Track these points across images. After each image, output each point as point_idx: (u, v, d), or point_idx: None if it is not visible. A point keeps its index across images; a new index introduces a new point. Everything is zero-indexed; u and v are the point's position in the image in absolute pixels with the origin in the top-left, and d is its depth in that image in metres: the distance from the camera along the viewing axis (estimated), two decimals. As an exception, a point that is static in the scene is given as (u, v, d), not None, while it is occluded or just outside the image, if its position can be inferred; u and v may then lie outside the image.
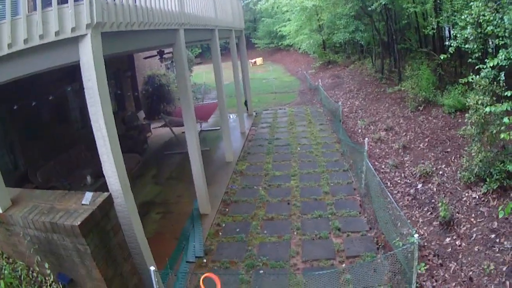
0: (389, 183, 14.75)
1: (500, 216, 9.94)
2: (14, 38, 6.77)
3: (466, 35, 13.57)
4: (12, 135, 14.38)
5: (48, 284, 7.59)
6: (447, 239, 10.87)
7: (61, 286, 7.55)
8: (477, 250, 9.93)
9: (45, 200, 7.82)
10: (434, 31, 21.53)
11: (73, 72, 15.86)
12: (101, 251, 7.11)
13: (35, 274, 7.95)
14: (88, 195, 7.40)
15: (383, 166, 16.37)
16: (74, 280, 7.52)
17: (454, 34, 15.23)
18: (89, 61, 7.16)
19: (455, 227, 11.13)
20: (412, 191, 13.88)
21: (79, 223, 6.59)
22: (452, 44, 14.24)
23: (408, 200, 13.49)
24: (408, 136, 18.24)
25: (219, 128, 21.94)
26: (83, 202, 7.25)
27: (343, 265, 10.46)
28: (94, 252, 6.87)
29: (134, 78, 27.27)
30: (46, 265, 7.53)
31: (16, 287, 7.63)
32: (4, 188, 7.85)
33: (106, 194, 7.58)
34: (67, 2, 6.87)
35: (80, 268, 7.23)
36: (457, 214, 11.53)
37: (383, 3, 22.86)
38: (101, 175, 8.31)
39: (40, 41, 6.88)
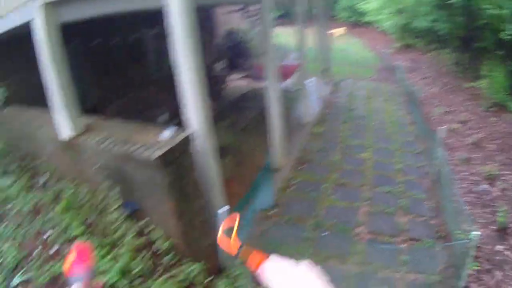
0: (457, 176, 14.37)
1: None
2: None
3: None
4: (86, 67, 14.46)
5: (113, 210, 7.66)
6: (499, 247, 10.63)
7: (126, 214, 7.61)
8: (523, 264, 9.68)
9: (122, 130, 7.94)
10: (510, 37, 20.88)
11: (157, 14, 15.83)
12: (175, 185, 7.11)
13: (99, 199, 8.03)
14: (168, 131, 7.45)
15: (453, 158, 16.02)
16: (141, 210, 7.61)
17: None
18: (181, 6, 7.11)
19: (509, 237, 10.90)
20: (476, 189, 13.57)
21: (157, 156, 6.61)
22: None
23: (471, 197, 13.17)
24: (480, 134, 17.95)
25: (297, 89, 21.77)
26: (162, 137, 7.30)
27: (404, 245, 10.34)
28: (167, 186, 6.89)
29: (215, 30, 27.34)
30: (115, 191, 7.61)
31: (77, 209, 7.80)
32: (78, 115, 8.05)
33: (186, 132, 7.60)
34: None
35: (151, 199, 7.32)
36: (510, 224, 11.28)
37: (461, -1, 22.45)
38: (174, 117, 8.24)
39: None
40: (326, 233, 10.48)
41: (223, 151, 13.86)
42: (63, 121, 7.86)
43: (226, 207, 7.93)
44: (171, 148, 6.90)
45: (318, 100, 22.05)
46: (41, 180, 8.83)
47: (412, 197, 12.60)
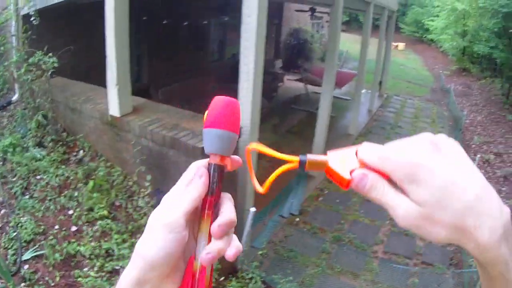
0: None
1: None
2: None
3: None
4: (144, 48, 14.81)
5: (142, 196, 7.81)
6: None
7: (155, 201, 7.70)
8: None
9: (170, 116, 8.06)
10: None
11: (224, 5, 16.08)
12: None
13: (130, 183, 8.22)
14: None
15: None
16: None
17: None
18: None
19: None
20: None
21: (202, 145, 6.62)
22: None
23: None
24: None
25: (349, 99, 21.87)
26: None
27: (416, 268, 10.49)
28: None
29: (280, 27, 27.50)
30: (148, 178, 7.72)
31: (106, 190, 7.91)
32: (129, 94, 8.14)
33: (239, 125, 7.67)
34: None
35: (184, 190, 7.31)
36: None
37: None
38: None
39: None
40: (344, 248, 10.62)
41: (264, 151, 14.19)
42: (113, 97, 7.96)
43: (253, 209, 8.08)
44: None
45: (367, 112, 22.25)
46: (77, 156, 8.97)
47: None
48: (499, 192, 14.56)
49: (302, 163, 0.87)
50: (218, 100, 0.96)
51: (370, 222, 12.03)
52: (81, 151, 9.07)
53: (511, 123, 23.61)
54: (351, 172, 0.83)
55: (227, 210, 0.92)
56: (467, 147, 20.62)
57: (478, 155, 15.60)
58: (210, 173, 0.94)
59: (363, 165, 0.82)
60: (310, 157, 0.86)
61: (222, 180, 0.96)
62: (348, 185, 0.84)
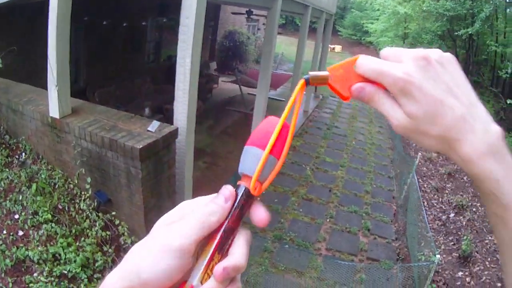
0: (426, 203, 14.78)
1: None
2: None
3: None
4: (81, 49, 14.63)
5: (83, 199, 7.77)
6: (460, 273, 11.10)
7: (95, 204, 7.71)
8: (481, 292, 10.07)
9: (108, 118, 7.99)
10: (508, 75, 21.34)
11: (161, 6, 16.05)
12: (151, 179, 7.26)
13: (71, 186, 8.14)
14: (155, 123, 7.58)
15: (425, 185, 16.41)
16: (112, 202, 7.68)
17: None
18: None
19: (470, 265, 11.35)
20: (444, 217, 14.02)
21: (141, 146, 6.75)
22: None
23: (437, 224, 13.65)
24: (456, 165, 17.98)
25: (284, 100, 22.03)
26: (148, 129, 7.42)
27: (362, 264, 10.64)
28: (144, 178, 7.01)
29: (215, 29, 27.52)
30: (88, 180, 7.70)
31: (48, 193, 7.81)
32: (69, 95, 8.02)
33: (173, 126, 7.76)
34: None
35: (123, 191, 7.40)
36: (475, 253, 11.72)
37: (470, 32, 22.81)
38: (159, 112, 8.39)
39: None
40: (286, 246, 10.74)
41: (199, 153, 14.22)
42: (53, 99, 7.82)
43: None
44: (155, 140, 7.08)
45: (303, 113, 22.46)
46: (19, 159, 8.83)
47: (377, 219, 12.95)
48: (444, 188, 15.53)
49: (307, 80, 0.90)
50: (270, 120, 0.94)
51: (311, 220, 12.17)
52: (23, 154, 8.95)
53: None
54: (349, 87, 0.89)
55: (240, 252, 0.81)
56: (407, 146, 21.23)
57: (419, 154, 15.84)
58: (238, 195, 0.87)
59: (362, 78, 0.89)
60: (312, 73, 0.91)
61: (246, 208, 0.88)
62: (348, 99, 0.91)
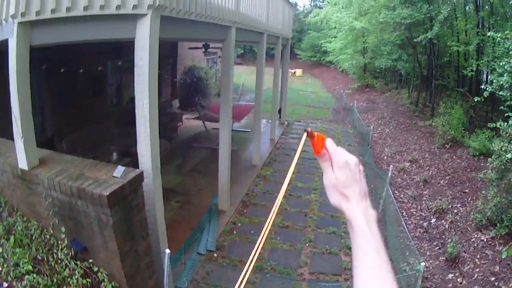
0: (404, 213, 14.96)
1: (503, 257, 10.65)
2: (74, 3, 6.91)
3: (501, 82, 13.71)
4: (45, 98, 14.65)
5: (60, 248, 7.67)
6: (450, 275, 11.17)
7: (72, 252, 7.63)
8: (476, 289, 10.15)
9: (75, 166, 7.94)
10: (473, 73, 21.60)
11: (117, 48, 16.06)
12: (122, 224, 7.20)
13: (48, 236, 8.05)
14: (120, 169, 7.50)
15: (401, 196, 16.55)
16: (88, 249, 7.60)
17: (491, 80, 15.38)
18: (145, 40, 7.33)
19: (459, 265, 11.41)
20: (425, 224, 14.13)
21: (108, 193, 6.67)
22: (487, 89, 14.46)
23: (420, 232, 13.76)
24: (431, 171, 18.36)
25: (249, 130, 22.12)
26: (114, 175, 7.36)
27: (347, 282, 10.57)
28: (115, 224, 6.95)
29: (175, 66, 27.56)
30: (63, 229, 7.62)
31: (26, 245, 7.73)
32: (35, 146, 8.00)
33: (138, 170, 7.70)
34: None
35: (97, 238, 7.33)
36: (463, 253, 11.81)
37: (429, 36, 23.02)
38: (126, 155, 8.38)
39: (100, 11, 7.02)
40: (268, 275, 10.69)
41: (171, 193, 14.19)
42: (20, 151, 7.79)
43: (168, 250, 8.16)
44: (121, 185, 7.01)
45: (270, 141, 22.66)
46: (-3, 212, 8.82)
47: (356, 238, 12.89)
48: (421, 196, 15.81)
49: (307, 132, 1.56)
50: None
51: (290, 247, 12.19)
52: (1, 206, 8.88)
53: (423, 129, 24.25)
54: (319, 148, 1.58)
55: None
56: (379, 160, 21.45)
57: (391, 166, 15.94)
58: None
59: (326, 148, 1.59)
60: (309, 129, 1.57)
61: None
62: (318, 153, 1.59)
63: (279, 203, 1.48)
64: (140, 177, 7.65)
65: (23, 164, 7.81)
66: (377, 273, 1.43)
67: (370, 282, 1.41)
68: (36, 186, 7.84)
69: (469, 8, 25.86)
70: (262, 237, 1.41)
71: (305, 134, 1.57)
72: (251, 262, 1.25)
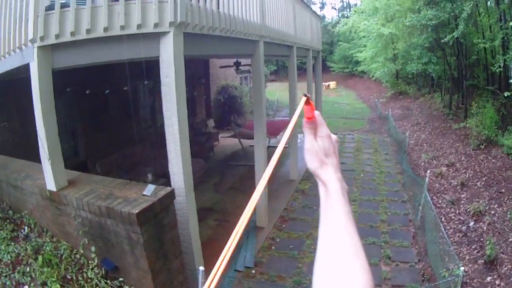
0: (443, 218, 14.68)
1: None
2: (93, 25, 6.92)
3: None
4: (77, 122, 14.77)
5: (90, 268, 7.70)
6: (488, 278, 10.89)
7: (103, 272, 7.62)
8: (513, 291, 9.96)
9: (104, 186, 7.96)
10: (501, 69, 21.26)
11: (148, 69, 16.20)
12: (153, 243, 7.18)
13: (78, 256, 8.09)
14: (151, 187, 7.51)
15: (440, 201, 16.28)
16: (119, 268, 7.60)
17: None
18: (169, 58, 7.34)
19: (498, 267, 11.12)
20: (464, 228, 13.84)
21: (137, 211, 6.67)
22: (515, 82, 14.23)
23: (458, 236, 13.50)
24: (467, 174, 18.04)
25: (287, 146, 22.04)
26: (144, 193, 7.36)
27: (389, 293, 10.37)
28: (146, 243, 6.92)
29: (208, 86, 27.60)
30: (93, 249, 7.64)
31: (55, 265, 7.75)
32: (63, 168, 8.03)
33: (169, 188, 7.68)
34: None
35: (128, 257, 7.31)
36: (501, 254, 11.51)
37: (456, 36, 22.75)
38: (162, 176, 8.38)
39: (121, 31, 7.03)
40: None
41: (208, 211, 14.16)
42: (48, 172, 7.86)
43: (202, 268, 7.96)
44: (151, 203, 6.98)
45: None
46: (24, 233, 8.82)
47: (396, 245, 12.77)
48: (459, 199, 15.54)
49: (305, 96, 1.54)
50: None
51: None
52: (29, 227, 8.96)
53: (458, 131, 23.92)
54: (311, 115, 1.54)
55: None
56: (416, 167, 21.25)
57: (428, 171, 15.76)
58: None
59: (315, 117, 1.55)
60: (308, 95, 1.55)
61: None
62: (310, 119, 1.55)
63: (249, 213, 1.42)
64: (171, 195, 7.63)
65: (51, 185, 7.86)
66: (348, 237, 1.36)
67: (339, 242, 1.35)
68: (65, 207, 7.90)
69: (490, 2, 25.57)
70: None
71: (304, 98, 1.56)
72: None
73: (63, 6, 6.96)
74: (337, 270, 1.26)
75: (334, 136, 1.61)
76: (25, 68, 7.48)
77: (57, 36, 6.97)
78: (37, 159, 8.17)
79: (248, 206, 1.31)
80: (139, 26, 7.02)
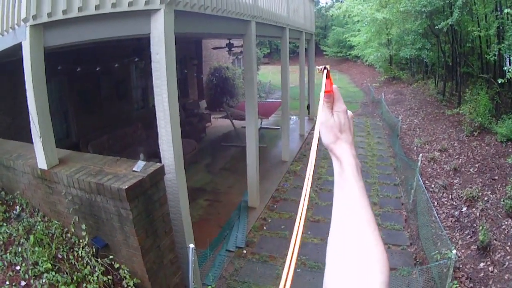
0: (435, 203, 14.72)
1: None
2: (85, 2, 6.89)
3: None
4: (69, 103, 14.78)
5: (81, 246, 7.71)
6: (481, 264, 10.92)
7: (94, 250, 7.63)
8: (507, 278, 10.02)
9: (94, 163, 7.95)
10: (495, 57, 21.27)
11: (140, 49, 16.09)
12: (143, 219, 7.16)
13: (69, 235, 8.13)
14: (141, 163, 7.51)
15: (432, 186, 16.32)
16: (109, 246, 7.60)
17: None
18: (160, 35, 7.29)
19: (491, 253, 11.16)
20: (456, 213, 13.86)
21: (126, 187, 6.65)
22: (510, 70, 14.22)
23: (451, 221, 13.52)
24: (460, 160, 18.12)
25: (279, 127, 21.97)
26: (134, 169, 7.35)
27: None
28: (136, 219, 6.91)
29: (200, 67, 27.50)
30: (83, 227, 7.65)
31: (47, 244, 7.77)
32: (53, 146, 8.02)
33: (158, 164, 7.68)
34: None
35: (118, 234, 7.30)
36: (494, 241, 11.54)
37: (450, 23, 22.72)
38: (154, 156, 8.38)
39: (112, 9, 6.99)
40: (298, 270, 10.49)
41: (200, 191, 14.17)
42: (39, 151, 7.85)
43: (192, 245, 8.04)
44: (141, 179, 6.98)
45: (300, 137, 22.70)
46: (15, 213, 8.86)
47: (388, 228, 12.87)
48: (451, 184, 15.59)
49: (326, 68, 1.56)
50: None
51: (320, 241, 12.00)
52: (21, 207, 9.01)
53: (451, 117, 23.99)
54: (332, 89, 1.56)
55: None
56: (409, 151, 21.38)
57: (420, 155, 15.80)
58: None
59: (333, 91, 1.58)
60: (328, 67, 1.57)
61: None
62: (329, 92, 1.56)
63: (308, 194, 1.39)
64: (161, 171, 7.63)
65: (42, 164, 7.85)
66: (363, 211, 1.38)
67: (354, 216, 1.38)
68: (56, 185, 7.88)
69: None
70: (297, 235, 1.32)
71: (325, 71, 1.55)
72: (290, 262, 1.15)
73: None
74: (353, 242, 1.31)
75: (350, 113, 1.63)
76: (18, 48, 7.47)
77: (49, 15, 6.96)
78: (29, 141, 8.18)
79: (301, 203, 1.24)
80: (130, 4, 6.98)
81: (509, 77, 14.51)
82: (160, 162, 7.98)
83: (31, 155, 8.43)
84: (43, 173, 7.95)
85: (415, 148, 21.67)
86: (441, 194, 15.50)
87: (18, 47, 7.42)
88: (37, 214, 8.74)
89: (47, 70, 7.47)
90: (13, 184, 9.37)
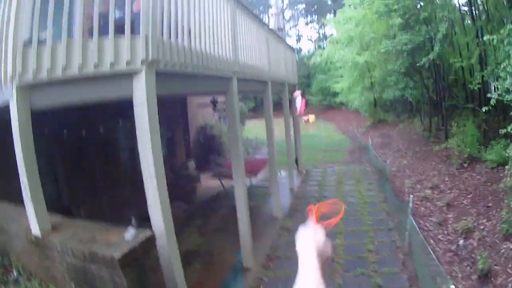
0: (431, 241, 14.73)
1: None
2: (68, 61, 6.97)
3: (506, 86, 13.65)
4: (58, 166, 14.67)
5: (77, 313, 7.57)
6: None
7: None
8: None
9: (86, 230, 7.92)
10: (479, 85, 21.61)
11: (126, 111, 16.15)
12: (137, 286, 7.06)
13: (66, 301, 7.98)
14: (132, 231, 7.44)
15: (427, 224, 16.36)
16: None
17: (496, 86, 15.36)
18: (142, 97, 7.26)
19: (492, 279, 11.25)
20: (453, 247, 13.95)
21: (119, 255, 6.59)
22: (493, 96, 14.39)
23: (449, 256, 13.55)
24: (452, 194, 18.31)
25: (267, 184, 21.95)
26: (126, 238, 7.29)
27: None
28: (129, 286, 6.82)
29: (186, 126, 27.50)
30: (78, 294, 7.49)
31: (46, 309, 7.61)
32: (46, 212, 7.97)
33: (149, 232, 7.60)
34: (123, 33, 7.06)
35: (112, 302, 7.19)
36: (494, 266, 11.67)
37: (432, 58, 22.95)
38: (147, 219, 8.31)
39: (95, 69, 6.99)
40: None
41: (193, 254, 14.04)
42: (32, 217, 7.79)
43: None
44: (133, 247, 6.93)
45: (290, 191, 22.57)
46: (13, 277, 8.76)
47: (386, 273, 12.69)
48: (446, 220, 15.87)
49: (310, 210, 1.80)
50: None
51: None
52: (18, 271, 8.90)
53: (439, 153, 24.40)
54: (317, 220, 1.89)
55: None
56: (400, 193, 21.15)
57: (411, 196, 15.80)
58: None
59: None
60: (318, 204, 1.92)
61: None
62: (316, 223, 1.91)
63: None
64: (151, 239, 7.57)
65: (35, 229, 7.83)
66: None
67: None
68: (49, 251, 7.87)
69: (467, 21, 25.91)
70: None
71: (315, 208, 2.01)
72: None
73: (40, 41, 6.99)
74: None
75: (329, 245, 2.06)
76: (6, 108, 7.49)
77: (34, 72, 7.01)
78: (20, 202, 8.13)
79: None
80: (112, 64, 6.99)
81: (493, 104, 14.64)
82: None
83: (23, 219, 8.34)
84: (36, 239, 7.93)
85: (407, 189, 21.59)
86: (436, 231, 15.56)
87: (7, 107, 7.46)
88: (34, 279, 8.61)
89: (36, 132, 7.51)
90: (9, 248, 9.40)
